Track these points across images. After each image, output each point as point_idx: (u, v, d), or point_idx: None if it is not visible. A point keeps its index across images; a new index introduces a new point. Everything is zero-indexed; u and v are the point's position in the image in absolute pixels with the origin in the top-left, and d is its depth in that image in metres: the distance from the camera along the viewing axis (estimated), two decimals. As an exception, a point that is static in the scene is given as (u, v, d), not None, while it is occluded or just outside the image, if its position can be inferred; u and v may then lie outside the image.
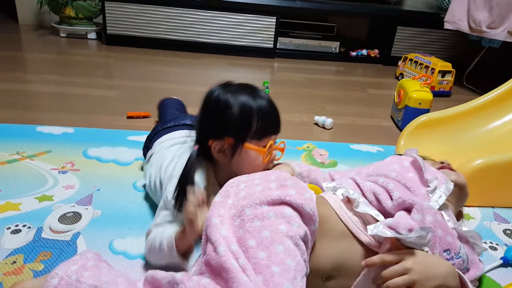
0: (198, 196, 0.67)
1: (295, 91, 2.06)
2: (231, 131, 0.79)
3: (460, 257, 0.69)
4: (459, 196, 0.86)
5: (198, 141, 0.83)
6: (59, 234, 0.85)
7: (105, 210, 0.95)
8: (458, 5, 2.14)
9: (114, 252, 0.81)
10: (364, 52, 2.85)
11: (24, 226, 0.87)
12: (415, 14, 2.77)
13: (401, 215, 0.69)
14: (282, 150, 0.90)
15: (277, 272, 0.55)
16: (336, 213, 0.71)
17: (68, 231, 0.86)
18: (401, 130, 1.51)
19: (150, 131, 1.12)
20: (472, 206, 1.09)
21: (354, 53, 2.84)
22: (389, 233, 0.63)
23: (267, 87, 1.88)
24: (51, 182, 1.04)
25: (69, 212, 0.92)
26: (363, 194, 0.75)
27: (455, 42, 2.76)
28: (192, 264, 0.72)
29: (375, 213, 0.71)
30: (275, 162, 0.91)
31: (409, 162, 0.82)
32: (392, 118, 1.77)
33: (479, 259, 0.75)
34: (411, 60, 2.34)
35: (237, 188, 0.68)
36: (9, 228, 0.86)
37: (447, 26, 2.22)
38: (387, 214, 0.71)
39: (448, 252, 0.68)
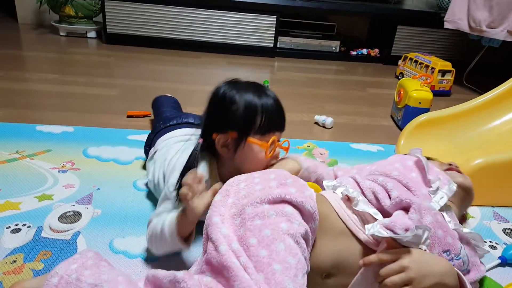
0: (194, 173, 0.68)
1: (295, 90, 2.06)
2: (235, 125, 0.80)
3: (460, 258, 0.69)
4: (464, 199, 0.85)
5: (203, 134, 0.84)
6: (59, 233, 0.85)
7: (105, 209, 0.95)
8: (458, 5, 2.14)
9: (114, 251, 0.81)
10: (364, 51, 2.85)
11: (24, 225, 0.87)
12: (415, 13, 2.77)
13: (398, 214, 0.69)
14: (286, 149, 0.90)
15: (278, 270, 0.56)
16: (335, 211, 0.72)
17: (68, 230, 0.86)
18: (401, 130, 1.51)
19: (150, 130, 1.12)
20: (472, 205, 1.08)
21: (354, 53, 2.84)
22: (385, 233, 0.64)
23: (267, 87, 1.88)
24: (51, 181, 1.04)
25: (69, 211, 0.92)
26: (363, 193, 0.75)
27: (455, 41, 2.76)
28: (194, 264, 0.72)
29: (373, 211, 0.71)
30: (281, 156, 0.90)
31: (412, 162, 0.82)
32: (392, 118, 1.77)
33: (480, 261, 0.74)
34: (411, 59, 2.34)
35: (237, 187, 0.68)
36: (9, 227, 0.86)
37: (447, 25, 2.22)
38: (385, 213, 0.72)
39: (448, 253, 0.68)
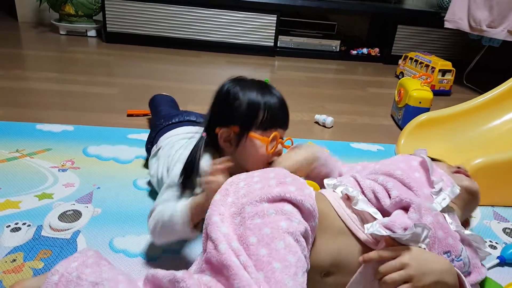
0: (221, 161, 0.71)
1: (295, 89, 2.06)
2: (237, 119, 0.81)
3: (461, 259, 0.68)
4: (469, 203, 0.84)
5: (206, 129, 0.85)
6: (59, 232, 0.85)
7: (105, 208, 0.95)
8: (458, 4, 2.14)
9: (114, 250, 0.81)
10: (365, 50, 2.85)
11: (24, 224, 0.86)
12: (415, 13, 2.76)
13: (397, 214, 0.69)
14: (288, 148, 0.90)
15: (278, 269, 0.56)
16: (334, 210, 0.72)
17: (68, 229, 0.86)
18: (401, 129, 1.51)
19: (151, 128, 1.12)
20: (472, 205, 1.09)
21: (354, 52, 2.84)
22: (384, 232, 0.64)
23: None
24: (51, 180, 1.04)
25: (69, 210, 0.92)
26: (363, 192, 0.75)
27: (455, 41, 2.76)
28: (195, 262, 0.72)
29: (373, 211, 0.71)
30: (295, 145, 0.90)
31: (417, 162, 0.81)
32: (393, 117, 1.77)
33: (481, 264, 0.74)
34: (411, 59, 2.34)
35: (236, 186, 0.68)
36: (9, 226, 0.85)
37: (447, 25, 2.22)
38: (385, 212, 0.72)
39: (448, 254, 0.67)
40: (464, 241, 0.72)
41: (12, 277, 0.72)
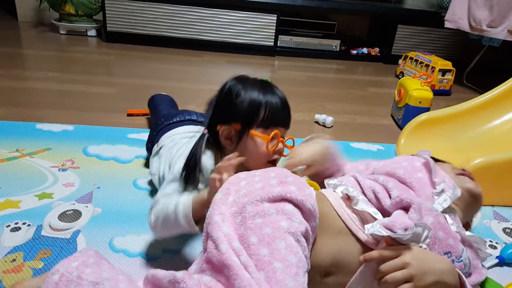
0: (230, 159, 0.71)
1: (295, 89, 2.06)
2: (238, 117, 0.81)
3: (461, 260, 0.68)
4: (471, 206, 0.83)
5: (208, 126, 0.86)
6: (59, 232, 0.85)
7: (105, 208, 0.95)
8: (458, 4, 2.14)
9: (114, 250, 0.81)
10: (365, 50, 2.85)
11: (23, 224, 0.86)
12: (415, 12, 2.76)
13: (398, 214, 0.69)
14: (290, 147, 0.90)
15: (279, 269, 0.55)
16: (335, 210, 0.72)
17: (68, 229, 0.86)
18: (401, 129, 1.51)
19: (151, 128, 1.12)
20: (472, 205, 1.09)
21: (354, 52, 2.84)
22: (385, 233, 0.64)
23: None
24: (51, 180, 1.04)
25: (69, 210, 0.92)
26: (363, 192, 0.75)
27: (456, 40, 2.75)
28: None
29: (373, 211, 0.71)
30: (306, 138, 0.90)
31: (420, 163, 0.81)
32: (393, 117, 1.76)
33: (482, 265, 0.74)
34: (411, 58, 2.34)
35: (237, 186, 0.68)
36: (9, 226, 0.85)
37: (447, 24, 2.22)
38: (385, 212, 0.71)
39: (449, 254, 0.67)
40: (465, 242, 0.71)
41: (12, 276, 0.72)
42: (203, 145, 0.84)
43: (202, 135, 0.86)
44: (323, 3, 2.66)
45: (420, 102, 1.56)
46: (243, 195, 0.65)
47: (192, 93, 1.81)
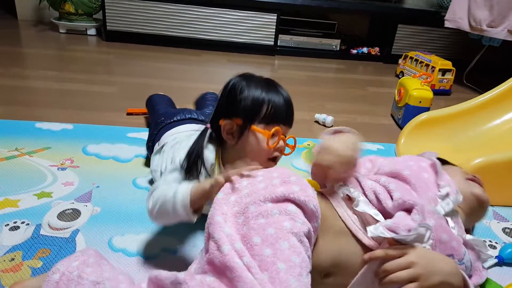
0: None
1: (295, 88, 2.05)
2: (241, 112, 0.82)
3: (463, 263, 0.68)
4: (476, 211, 0.83)
5: (211, 121, 0.87)
6: (58, 231, 0.85)
7: (104, 207, 0.94)
8: (458, 4, 2.14)
9: (113, 249, 0.81)
10: (365, 50, 2.85)
11: (22, 223, 0.86)
12: (415, 12, 2.76)
13: (400, 215, 0.68)
14: (291, 147, 0.90)
15: (283, 269, 0.55)
16: (335, 210, 0.71)
17: (67, 228, 0.86)
18: (401, 128, 1.51)
19: (151, 126, 1.12)
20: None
21: (354, 51, 2.84)
22: (388, 235, 0.63)
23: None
24: (50, 179, 1.03)
25: (68, 209, 0.92)
26: (364, 193, 0.75)
27: (456, 40, 2.75)
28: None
29: (374, 212, 0.70)
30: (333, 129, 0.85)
31: (426, 164, 0.80)
32: (393, 116, 1.76)
33: (482, 267, 0.74)
34: (411, 58, 2.33)
35: (239, 185, 0.68)
36: (8, 224, 0.85)
37: (447, 24, 2.22)
38: (387, 214, 0.71)
39: (451, 257, 0.67)
40: (467, 245, 0.71)
41: (11, 276, 0.72)
42: (206, 139, 0.85)
43: (205, 129, 0.87)
44: (323, 2, 2.66)
45: (420, 101, 1.56)
46: (246, 195, 0.65)
47: (191, 92, 1.80)
